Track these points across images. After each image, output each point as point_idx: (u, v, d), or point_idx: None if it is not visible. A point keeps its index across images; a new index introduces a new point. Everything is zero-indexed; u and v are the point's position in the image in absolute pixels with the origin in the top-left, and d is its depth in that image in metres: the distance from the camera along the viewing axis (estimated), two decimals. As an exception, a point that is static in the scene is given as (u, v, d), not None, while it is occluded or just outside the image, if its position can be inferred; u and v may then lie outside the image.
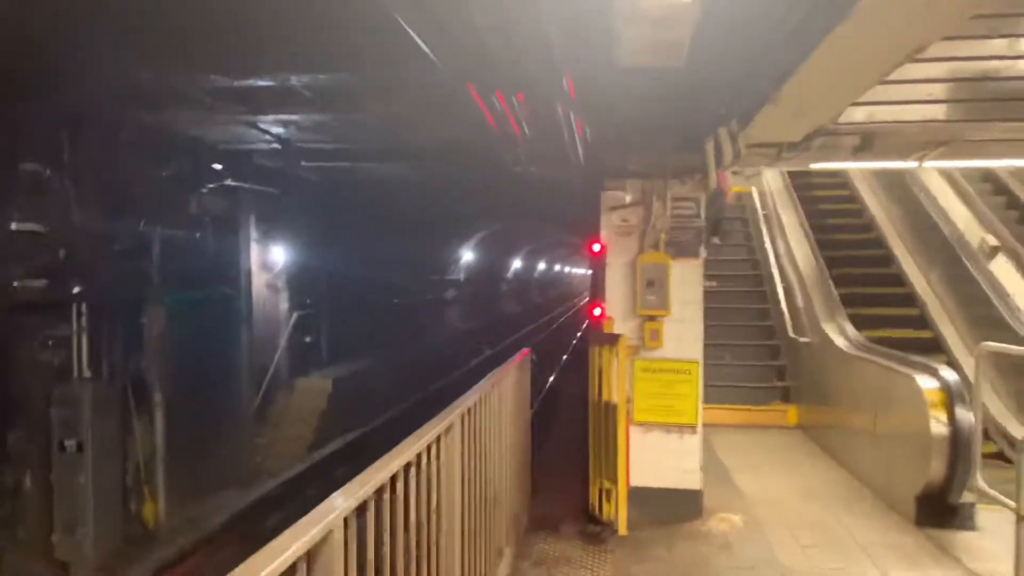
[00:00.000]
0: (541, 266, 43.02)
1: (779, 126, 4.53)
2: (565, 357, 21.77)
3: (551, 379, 17.21)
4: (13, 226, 6.51)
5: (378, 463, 2.38)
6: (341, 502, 2.04)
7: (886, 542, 5.58)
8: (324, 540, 1.91)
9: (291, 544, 1.74)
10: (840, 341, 8.00)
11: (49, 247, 6.79)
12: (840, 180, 11.84)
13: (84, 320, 7.29)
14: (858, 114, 5.11)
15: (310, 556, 1.85)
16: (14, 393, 6.40)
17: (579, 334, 27.26)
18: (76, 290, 7.19)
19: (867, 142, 5.36)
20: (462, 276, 23.95)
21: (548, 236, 27.87)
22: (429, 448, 2.95)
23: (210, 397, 9.57)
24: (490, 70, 4.83)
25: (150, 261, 8.21)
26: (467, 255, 23.44)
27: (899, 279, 9.81)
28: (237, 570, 1.57)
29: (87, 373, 7.26)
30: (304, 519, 1.89)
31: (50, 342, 7.04)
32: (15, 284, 6.47)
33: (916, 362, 6.30)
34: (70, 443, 6.78)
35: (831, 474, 7.46)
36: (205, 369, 9.50)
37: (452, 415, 3.26)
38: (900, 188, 10.67)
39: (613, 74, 4.08)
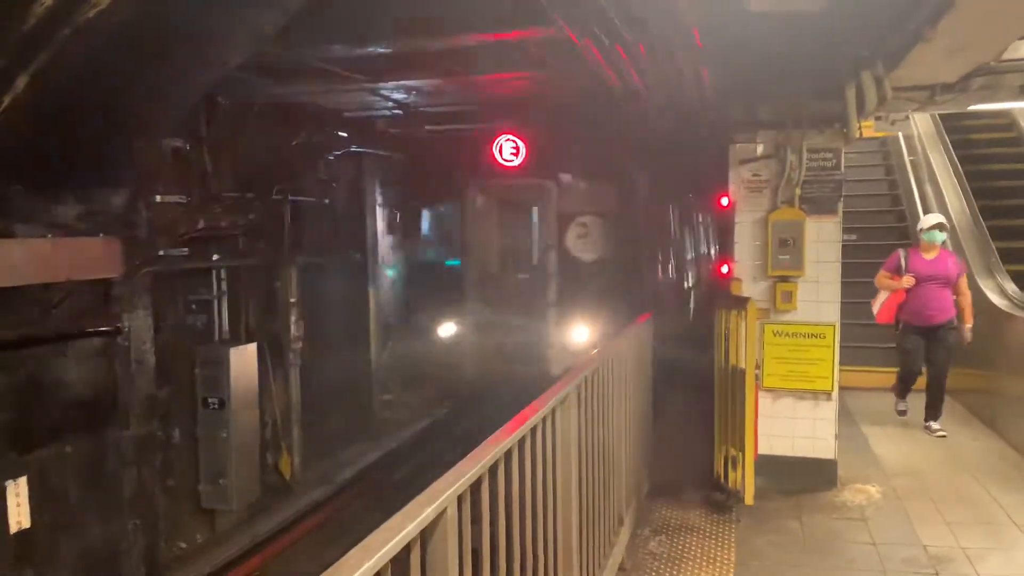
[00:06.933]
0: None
1: (933, 66, 4.09)
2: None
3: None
4: (157, 198, 6.88)
5: (491, 439, 2.33)
6: (453, 481, 2.00)
7: (1052, 524, 5.08)
8: (437, 520, 1.89)
9: (405, 525, 1.73)
10: (998, 299, 7.31)
11: (190, 217, 7.16)
12: (1004, 121, 10.69)
13: (223, 285, 7.71)
14: (1025, 48, 4.53)
15: (423, 536, 1.85)
16: (164, 353, 6.86)
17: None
18: (215, 257, 7.60)
19: (1037, 79, 4.75)
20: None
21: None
22: (544, 420, 2.88)
23: (340, 356, 9.96)
24: (609, 23, 4.58)
25: (282, 227, 8.53)
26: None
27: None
28: (352, 551, 1.57)
29: (227, 335, 7.70)
30: (417, 499, 1.87)
31: (193, 306, 7.50)
32: (161, 253, 6.86)
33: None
34: (213, 400, 7.24)
35: (984, 444, 6.88)
36: (335, 329, 9.88)
37: (568, 387, 3.17)
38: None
39: (744, 20, 3.77)
